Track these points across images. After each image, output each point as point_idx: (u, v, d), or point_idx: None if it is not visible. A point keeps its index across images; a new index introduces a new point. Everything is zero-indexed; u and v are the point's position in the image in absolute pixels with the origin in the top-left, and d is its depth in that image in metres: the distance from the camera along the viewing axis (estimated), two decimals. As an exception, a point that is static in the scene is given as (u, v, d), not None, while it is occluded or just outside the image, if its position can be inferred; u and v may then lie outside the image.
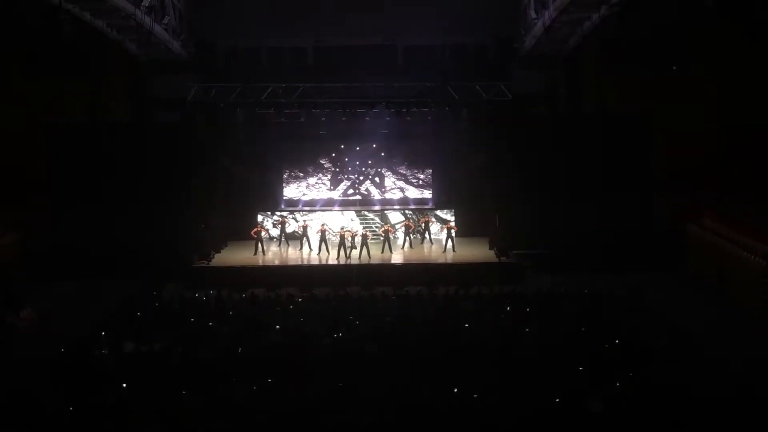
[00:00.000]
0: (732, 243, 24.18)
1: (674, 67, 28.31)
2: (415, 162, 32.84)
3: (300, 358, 16.65)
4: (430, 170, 32.83)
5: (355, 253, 27.87)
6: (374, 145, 32.18)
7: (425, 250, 30.05)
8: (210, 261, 27.79)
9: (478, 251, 29.01)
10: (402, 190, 32.83)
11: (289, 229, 30.88)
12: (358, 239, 28.16)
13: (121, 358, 17.09)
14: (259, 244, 28.86)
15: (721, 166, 27.87)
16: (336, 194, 32.78)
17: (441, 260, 28.26)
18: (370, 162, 32.60)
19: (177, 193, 28.90)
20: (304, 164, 32.79)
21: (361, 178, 32.78)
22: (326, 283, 24.80)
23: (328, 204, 32.57)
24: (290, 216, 31.56)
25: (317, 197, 32.73)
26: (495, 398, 14.05)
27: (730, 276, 24.08)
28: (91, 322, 20.75)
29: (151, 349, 17.53)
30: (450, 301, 22.04)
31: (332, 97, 28.57)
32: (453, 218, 31.43)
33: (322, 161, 32.77)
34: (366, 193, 32.83)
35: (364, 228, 30.39)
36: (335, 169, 32.76)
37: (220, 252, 29.19)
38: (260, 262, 28.12)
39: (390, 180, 32.82)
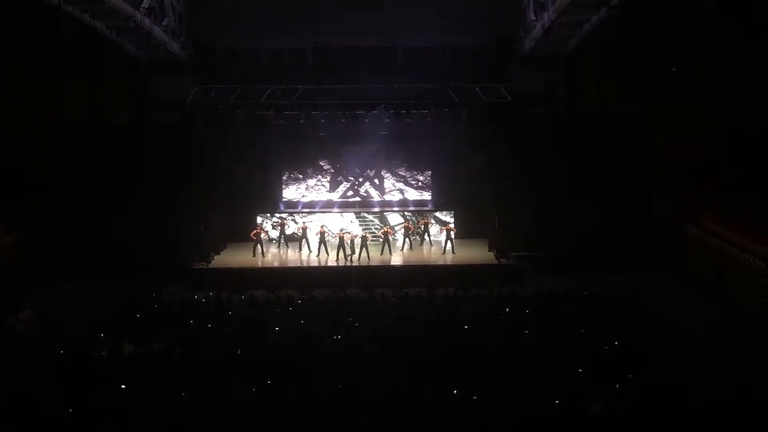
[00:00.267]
0: (731, 244, 24.16)
1: (673, 69, 28.29)
2: (414, 163, 32.86)
3: (299, 359, 16.65)
4: (430, 172, 32.85)
5: (355, 254, 27.83)
6: (374, 147, 32.17)
7: (425, 251, 30.04)
8: (209, 262, 27.77)
9: (477, 253, 29.00)
10: (401, 191, 32.84)
11: (288, 231, 30.88)
12: (357, 241, 28.14)
13: (120, 359, 17.07)
14: (259, 246, 28.85)
15: (721, 167, 27.85)
16: (335, 196, 32.79)
17: (440, 262, 28.24)
18: (369, 164, 32.61)
19: (176, 194, 28.88)
20: (304, 166, 32.80)
21: (361, 179, 32.79)
22: (325, 284, 24.79)
23: (328, 206, 32.57)
24: (290, 217, 31.56)
25: (317, 199, 32.73)
26: (494, 399, 14.04)
27: (730, 277, 24.07)
28: (91, 323, 20.74)
29: (150, 350, 17.52)
30: (449, 302, 22.02)
31: (332, 98, 28.58)
32: (452, 220, 31.46)
33: (321, 163, 32.79)
34: (365, 194, 32.84)
35: (363, 230, 30.39)
36: (335, 170, 32.78)
37: (219, 253, 29.18)
38: (259, 264, 28.11)
39: (389, 181, 32.83)
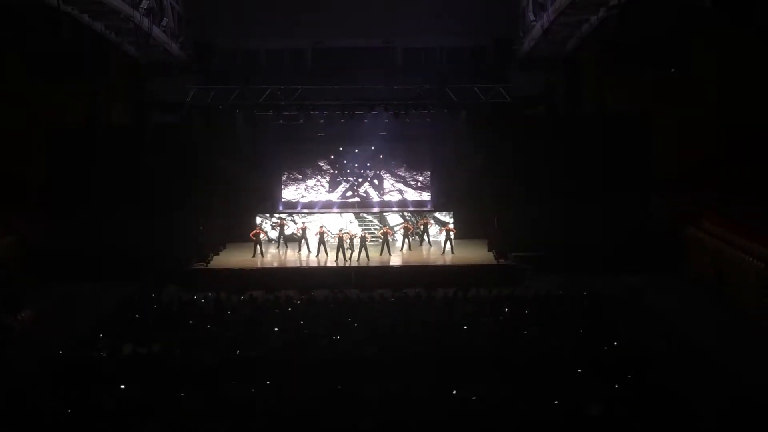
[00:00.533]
0: (731, 245, 24.15)
1: (672, 69, 28.28)
2: (413, 164, 32.87)
3: (298, 359, 16.63)
4: (429, 172, 32.85)
5: (354, 255, 27.82)
6: (373, 147, 32.22)
7: (424, 252, 30.02)
8: (208, 263, 27.74)
9: (476, 253, 28.99)
10: (401, 192, 32.83)
11: (287, 231, 30.86)
12: (356, 241, 28.11)
13: (119, 360, 17.05)
14: (258, 246, 28.82)
15: (721, 167, 27.82)
16: (335, 196, 32.78)
17: (440, 262, 28.23)
18: (368, 164, 32.63)
19: (175, 195, 28.83)
20: (303, 166, 32.80)
21: (360, 180, 32.78)
22: (325, 285, 24.76)
23: (327, 206, 32.56)
24: (289, 218, 31.55)
25: (316, 199, 32.71)
26: (494, 400, 14.02)
27: (729, 278, 24.03)
28: (90, 323, 20.71)
29: (149, 350, 17.49)
30: (449, 303, 22.00)
31: (331, 99, 28.57)
32: (452, 220, 31.44)
33: (320, 163, 32.78)
34: (365, 195, 32.83)
35: (362, 230, 30.35)
36: (334, 171, 32.77)
37: (218, 254, 29.15)
38: (259, 264, 28.08)
39: (389, 182, 32.83)
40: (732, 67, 28.04)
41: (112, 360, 17.08)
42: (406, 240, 29.95)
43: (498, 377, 15.34)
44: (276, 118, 29.52)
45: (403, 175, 32.89)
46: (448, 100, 28.45)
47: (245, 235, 29.62)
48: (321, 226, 29.39)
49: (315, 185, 32.84)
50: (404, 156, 32.75)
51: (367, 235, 28.79)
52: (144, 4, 23.37)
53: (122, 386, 15.01)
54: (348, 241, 28.00)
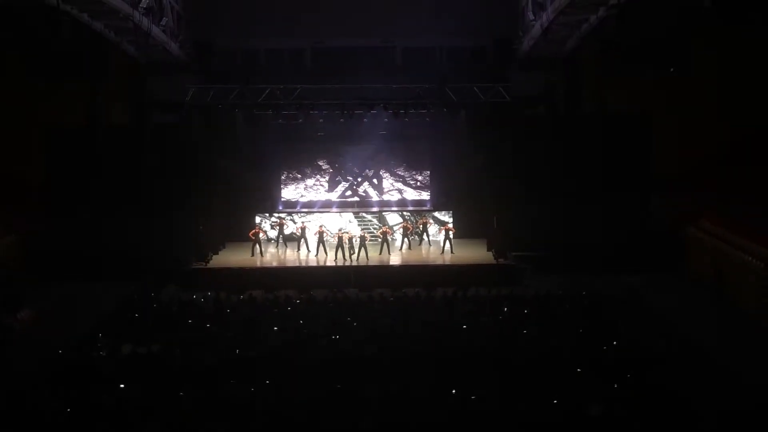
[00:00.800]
0: (731, 245, 24.14)
1: (672, 69, 28.25)
2: (413, 163, 32.88)
3: (298, 359, 16.62)
4: (429, 172, 32.86)
5: (354, 254, 27.80)
6: (372, 147, 32.19)
7: (423, 251, 30.02)
8: (208, 262, 27.73)
9: (476, 253, 28.98)
10: (400, 191, 32.85)
11: (287, 231, 30.85)
12: (356, 241, 28.09)
13: (118, 360, 17.04)
14: (257, 246, 28.81)
15: (721, 167, 27.82)
16: (334, 196, 32.80)
17: (439, 262, 28.23)
18: (368, 163, 32.65)
19: (175, 195, 28.81)
20: (302, 166, 32.81)
21: (359, 179, 32.79)
22: (324, 284, 24.75)
23: (326, 205, 32.57)
24: (288, 217, 31.55)
25: (315, 199, 32.73)
26: (493, 400, 14.02)
27: (729, 278, 24.03)
28: (90, 323, 20.69)
29: (149, 350, 17.48)
30: (448, 302, 21.99)
31: (330, 98, 28.57)
32: (451, 220, 31.44)
33: (320, 162, 32.79)
34: (364, 194, 32.85)
35: (362, 229, 30.35)
36: (333, 170, 32.79)
37: (218, 253, 29.13)
38: (258, 264, 28.08)
39: (388, 181, 32.84)
40: (732, 67, 28.04)
41: (112, 360, 17.06)
42: (406, 239, 29.94)
43: (497, 377, 15.33)
44: (275, 117, 29.55)
45: (402, 174, 32.90)
46: (447, 99, 28.45)
47: (245, 234, 29.60)
48: (320, 226, 29.38)
49: (314, 185, 32.84)
50: (404, 155, 32.76)
51: (366, 235, 28.79)
52: (143, 4, 23.36)
53: (122, 386, 15.00)
54: (347, 240, 27.98)
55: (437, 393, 14.43)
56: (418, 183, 32.88)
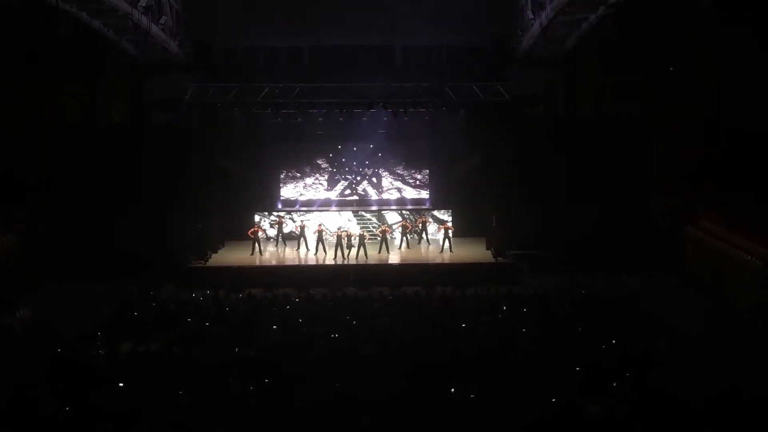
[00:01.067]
0: (730, 245, 24.16)
1: (671, 68, 28.29)
2: (412, 162, 32.88)
3: (297, 358, 16.63)
4: (428, 170, 32.88)
5: (353, 253, 27.81)
6: (371, 146, 32.26)
7: (422, 250, 30.04)
8: (207, 261, 27.73)
9: (475, 251, 28.99)
10: (399, 190, 32.86)
11: (286, 230, 30.87)
12: (355, 239, 28.09)
13: (117, 359, 17.04)
14: (257, 244, 28.81)
15: (721, 168, 27.82)
16: (333, 194, 32.81)
17: (438, 260, 28.25)
18: (367, 162, 32.66)
19: (174, 194, 28.79)
20: (302, 164, 32.81)
21: (359, 178, 32.80)
22: (323, 283, 24.72)
23: (326, 204, 32.59)
24: (287, 216, 31.56)
25: (314, 197, 32.75)
26: (492, 399, 14.03)
27: (728, 277, 24.05)
28: (89, 322, 20.69)
29: (148, 349, 17.49)
30: (447, 301, 22.01)
31: (329, 97, 28.59)
32: (450, 218, 31.45)
33: (319, 161, 32.80)
34: (363, 193, 32.86)
35: (361, 228, 30.37)
36: (332, 169, 32.79)
37: (217, 252, 29.15)
38: (257, 263, 28.09)
39: (387, 180, 32.85)
40: (731, 68, 28.04)
41: (111, 359, 17.06)
42: (405, 238, 29.96)
43: (497, 376, 15.33)
44: (275, 116, 29.56)
45: (401, 173, 32.91)
46: (446, 98, 28.49)
47: (244, 233, 29.61)
48: (319, 224, 29.37)
49: (313, 183, 32.85)
50: (403, 154, 32.77)
51: (365, 234, 28.83)
52: (142, 2, 23.33)
53: (120, 385, 15.00)
54: (346, 239, 27.98)
55: (436, 392, 14.43)
56: (418, 182, 32.90)
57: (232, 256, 28.94)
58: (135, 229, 28.42)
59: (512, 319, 19.94)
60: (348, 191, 32.88)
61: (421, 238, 30.67)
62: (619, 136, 29.29)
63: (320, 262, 27.98)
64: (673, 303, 23.31)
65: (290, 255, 29.36)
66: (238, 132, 30.67)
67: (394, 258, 28.57)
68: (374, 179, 32.82)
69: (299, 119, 29.80)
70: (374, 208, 32.36)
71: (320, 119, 30.04)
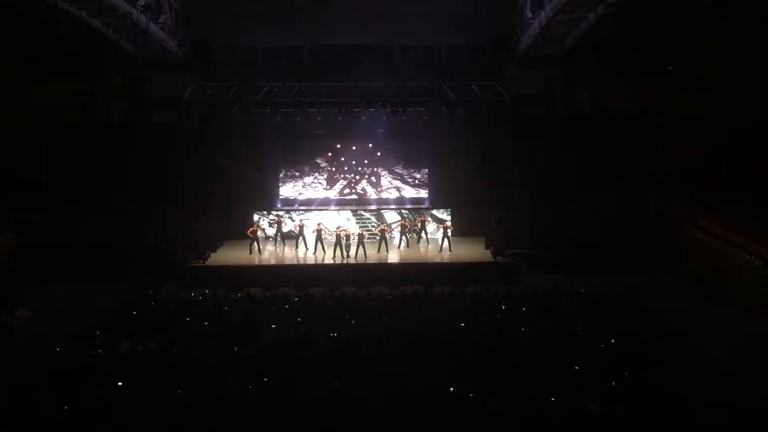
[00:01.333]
0: (729, 244, 24.16)
1: (670, 67, 28.29)
2: (411, 161, 32.88)
3: (296, 357, 16.62)
4: (427, 170, 32.87)
5: (352, 252, 27.80)
6: (370, 145, 32.26)
7: (421, 249, 30.04)
8: (206, 260, 27.71)
9: (474, 251, 28.99)
10: (398, 189, 32.85)
11: (285, 229, 30.86)
12: (354, 239, 28.08)
13: (116, 358, 17.03)
14: (255, 244, 28.78)
15: (720, 167, 27.83)
16: (332, 194, 32.80)
17: (437, 260, 28.24)
18: (366, 161, 32.66)
19: (173, 193, 28.77)
20: (301, 163, 32.80)
21: (358, 177, 32.79)
22: (322, 282, 24.69)
23: (325, 203, 32.58)
24: (286, 215, 31.54)
25: (313, 196, 32.74)
26: (491, 398, 14.03)
27: (727, 277, 24.05)
28: (88, 321, 20.67)
29: (147, 348, 17.48)
30: (446, 300, 22.00)
31: (329, 96, 28.59)
32: (449, 218, 31.45)
33: (318, 160, 32.79)
34: (362, 192, 32.85)
35: (360, 227, 30.35)
36: (331, 168, 32.77)
37: (216, 251, 29.12)
38: (256, 262, 28.07)
39: (386, 179, 32.84)
40: (731, 67, 28.05)
41: (110, 358, 17.05)
42: (404, 237, 29.96)
43: (496, 375, 15.33)
44: (274, 115, 29.55)
45: (400, 172, 32.90)
46: (445, 97, 28.50)
47: (243, 232, 29.58)
48: (318, 224, 29.36)
49: (312, 182, 32.84)
50: (402, 153, 32.77)
51: (364, 233, 28.81)
52: (141, 1, 23.32)
53: (120, 384, 14.99)
54: (345, 238, 27.96)
55: (435, 391, 14.43)
56: (417, 181, 32.89)
57: (231, 255, 28.91)
58: (134, 228, 28.41)
59: (511, 318, 19.94)
60: (347, 190, 32.87)
61: (420, 237, 30.67)
62: (619, 135, 29.19)
63: (319, 261, 27.97)
64: (672, 302, 23.29)
65: (289, 254, 29.35)
66: (237, 131, 30.69)
67: (393, 257, 28.57)
68: (373, 178, 32.82)
69: (298, 118, 29.78)
70: (373, 207, 32.36)
71: (319, 118, 30.05)
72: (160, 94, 29.44)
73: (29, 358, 18.00)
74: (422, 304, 21.67)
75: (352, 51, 30.65)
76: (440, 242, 29.26)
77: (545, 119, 30.05)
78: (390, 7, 29.50)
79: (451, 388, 14.47)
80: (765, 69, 27.30)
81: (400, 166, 32.88)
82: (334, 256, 27.81)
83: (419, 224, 30.80)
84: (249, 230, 29.17)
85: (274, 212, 31.67)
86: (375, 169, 32.81)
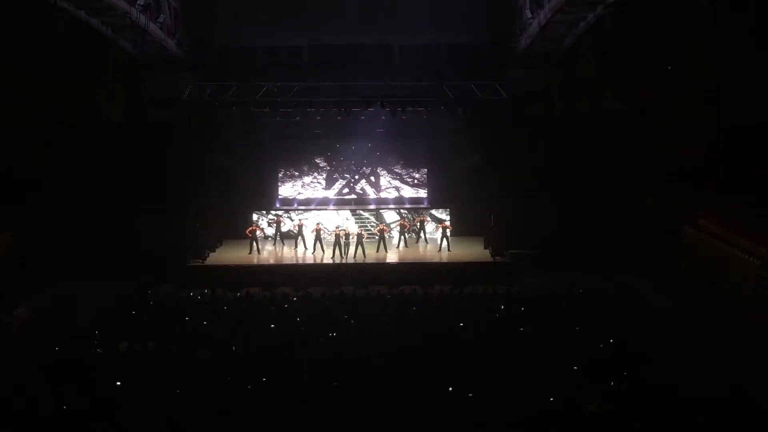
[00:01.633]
0: (729, 244, 24.15)
1: (669, 67, 28.25)
2: (410, 161, 32.87)
3: (294, 357, 16.62)
4: (426, 169, 32.87)
5: (350, 252, 27.78)
6: (369, 145, 32.24)
7: (420, 249, 30.05)
8: (205, 260, 27.72)
9: (473, 250, 29.00)
10: (397, 189, 32.85)
11: (284, 228, 30.87)
12: (353, 238, 28.06)
13: (115, 357, 17.03)
14: (254, 243, 28.79)
15: (720, 167, 27.81)
16: (331, 193, 32.80)
17: (436, 259, 28.24)
18: (365, 161, 32.65)
19: (172, 192, 28.69)
20: (300, 163, 32.80)
21: (357, 177, 32.79)
22: (321, 282, 24.72)
23: (324, 203, 32.58)
24: (285, 215, 31.54)
25: (312, 196, 32.74)
26: (490, 397, 14.03)
27: (726, 276, 24.05)
28: (87, 321, 20.67)
29: (145, 347, 17.48)
30: (445, 300, 22.01)
31: (328, 96, 28.57)
32: (448, 217, 31.47)
33: (317, 160, 32.79)
34: (361, 192, 32.84)
35: (359, 227, 30.34)
36: (330, 168, 32.77)
37: (215, 251, 29.15)
38: (255, 261, 28.08)
39: (385, 179, 32.84)
40: (730, 66, 28.01)
41: (109, 357, 17.05)
42: (403, 237, 29.96)
43: (494, 374, 15.33)
44: (273, 115, 29.51)
45: (399, 172, 32.89)
46: (444, 97, 28.46)
47: (242, 232, 29.61)
48: (317, 223, 29.36)
49: (311, 182, 32.84)
50: (401, 153, 32.76)
51: (363, 232, 28.80)
52: (141, 0, 23.33)
53: (118, 383, 14.99)
54: (344, 238, 27.95)
55: (434, 391, 14.43)
56: (415, 181, 32.89)
57: (230, 255, 28.92)
58: (133, 227, 28.29)
59: (510, 318, 19.95)
60: (346, 190, 32.87)
61: (419, 237, 30.68)
62: (618, 135, 29.11)
63: (318, 261, 27.99)
64: (671, 302, 23.31)
65: (288, 254, 29.37)
66: (236, 131, 30.69)
67: (392, 257, 28.57)
68: (372, 178, 32.81)
69: (297, 118, 29.74)
70: (372, 207, 32.37)
71: (318, 118, 30.01)
72: (159, 94, 29.38)
73: (28, 358, 18.00)
74: (421, 303, 21.65)
75: (352, 51, 30.62)
76: (439, 242, 29.25)
77: (544, 119, 30.01)
78: (389, 7, 29.53)
79: (450, 388, 14.47)
80: (764, 69, 27.25)
81: (399, 166, 32.88)
82: (333, 256, 27.82)
83: (418, 224, 30.80)
84: (248, 230, 29.19)
85: (273, 212, 31.67)
86: (374, 169, 32.79)
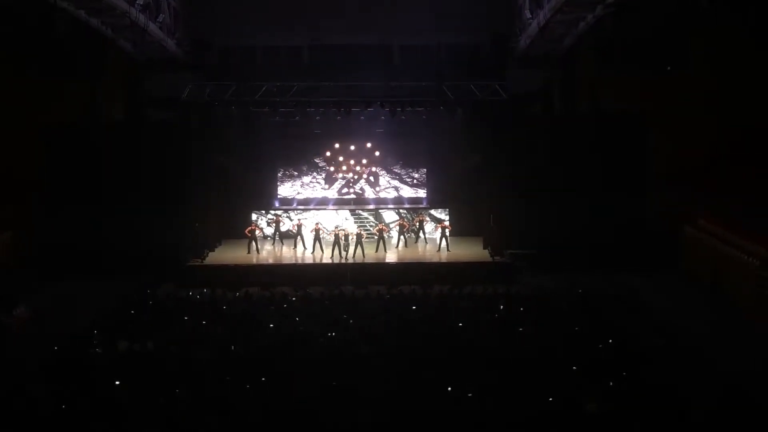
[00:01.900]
0: (728, 244, 24.15)
1: (669, 67, 28.25)
2: (409, 161, 32.87)
3: (294, 357, 16.61)
4: (425, 169, 32.87)
5: (350, 252, 27.78)
6: (369, 144, 32.22)
7: (419, 249, 30.03)
8: (204, 259, 27.71)
9: (472, 250, 28.99)
10: (396, 189, 32.85)
11: (283, 228, 30.84)
12: (352, 238, 28.05)
13: (114, 357, 17.02)
14: (254, 243, 28.78)
15: (720, 167, 27.79)
16: (330, 193, 32.79)
17: (435, 259, 28.23)
18: (364, 161, 32.61)
19: (171, 192, 28.68)
20: (299, 163, 32.80)
21: (356, 177, 32.76)
22: (320, 282, 24.70)
23: (323, 203, 32.58)
24: (284, 215, 31.53)
25: (312, 196, 32.73)
26: (489, 397, 14.02)
27: (726, 276, 24.05)
28: (86, 321, 20.66)
29: (145, 347, 17.47)
30: (444, 300, 22.00)
31: (327, 96, 28.57)
32: (447, 217, 31.46)
33: (316, 160, 32.78)
34: (360, 192, 32.84)
35: (358, 227, 30.34)
36: (330, 167, 32.74)
37: (214, 251, 29.15)
38: (254, 261, 28.07)
39: (384, 179, 32.83)
40: (730, 67, 28.00)
41: (108, 357, 17.04)
42: (402, 237, 29.96)
43: (494, 374, 15.32)
44: (272, 114, 29.51)
45: (398, 172, 32.89)
46: (444, 97, 28.45)
47: (241, 231, 29.57)
48: (317, 223, 29.37)
49: (311, 182, 32.84)
50: (400, 153, 32.76)
51: (362, 232, 28.78)
52: (140, 0, 23.32)
53: (118, 383, 14.98)
54: (344, 237, 27.94)
55: (433, 391, 14.42)
56: (415, 181, 32.89)
57: (229, 254, 28.92)
58: (133, 227, 28.27)
59: (510, 318, 19.94)
60: (345, 190, 32.86)
61: (418, 237, 30.67)
62: (618, 135, 29.12)
63: (317, 260, 27.98)
64: (671, 302, 23.31)
65: (287, 254, 29.36)
66: (236, 130, 30.68)
67: (391, 257, 28.56)
68: (371, 178, 32.80)
69: (297, 118, 29.74)
70: (371, 206, 32.36)
71: (318, 118, 30.02)
72: (158, 94, 29.37)
73: (27, 357, 17.99)
74: (420, 303, 21.63)
75: (352, 51, 30.61)
76: (438, 242, 29.23)
77: (544, 119, 30.00)
78: (389, 7, 29.51)
79: (449, 388, 14.47)
80: (764, 69, 27.24)
81: (398, 166, 32.87)
82: (333, 256, 27.80)
83: (417, 224, 30.78)
84: (247, 229, 29.17)
85: (273, 212, 31.66)
86: (373, 169, 32.78)
